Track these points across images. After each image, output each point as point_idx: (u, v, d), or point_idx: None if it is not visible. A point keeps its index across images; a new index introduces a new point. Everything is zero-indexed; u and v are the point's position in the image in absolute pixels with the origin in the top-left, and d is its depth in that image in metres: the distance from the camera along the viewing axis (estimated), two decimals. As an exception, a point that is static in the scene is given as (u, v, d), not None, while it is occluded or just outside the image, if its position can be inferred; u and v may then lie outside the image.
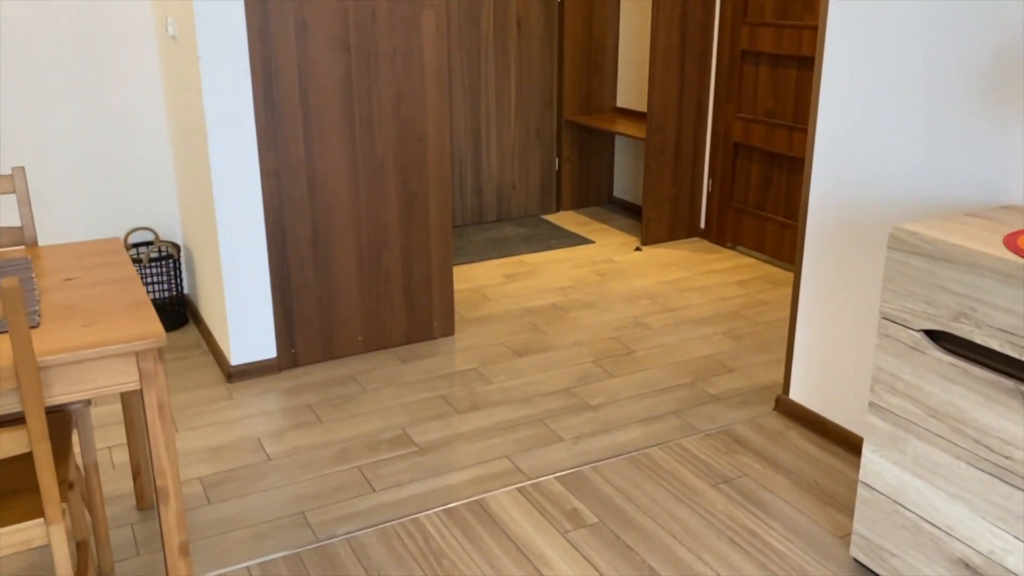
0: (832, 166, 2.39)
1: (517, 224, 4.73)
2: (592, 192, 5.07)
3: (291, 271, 2.84)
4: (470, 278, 3.86)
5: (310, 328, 2.93)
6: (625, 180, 5.01)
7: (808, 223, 2.47)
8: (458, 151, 4.57)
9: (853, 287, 2.37)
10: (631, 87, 4.81)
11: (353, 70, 2.76)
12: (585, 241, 4.41)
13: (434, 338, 3.17)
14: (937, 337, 1.67)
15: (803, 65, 3.68)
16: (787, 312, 3.42)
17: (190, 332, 3.24)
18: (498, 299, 3.59)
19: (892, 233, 1.70)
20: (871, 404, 1.82)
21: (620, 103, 4.92)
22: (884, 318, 1.76)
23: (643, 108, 4.73)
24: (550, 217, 4.87)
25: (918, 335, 1.69)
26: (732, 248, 4.26)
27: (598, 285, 3.75)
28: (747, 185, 4.11)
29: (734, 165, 4.16)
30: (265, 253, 2.77)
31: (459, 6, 4.35)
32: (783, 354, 3.04)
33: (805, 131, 3.72)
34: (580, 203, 5.04)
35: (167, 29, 2.89)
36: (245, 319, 2.80)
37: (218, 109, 2.58)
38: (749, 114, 4.01)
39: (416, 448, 2.43)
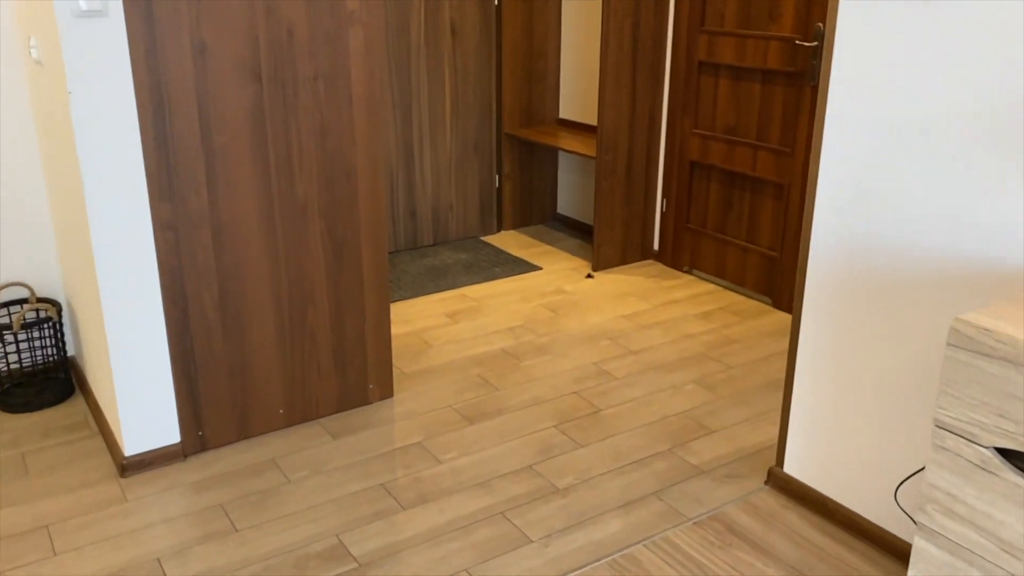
0: (838, 207, 2.06)
1: (456, 248, 4.31)
2: (535, 210, 4.69)
3: (195, 340, 2.36)
4: (407, 318, 3.42)
5: (221, 404, 2.46)
6: (570, 196, 4.64)
7: (809, 272, 2.14)
8: (389, 171, 4.12)
9: (863, 348, 2.04)
10: (575, 97, 4.43)
11: (266, 100, 2.29)
12: (532, 267, 4.02)
13: (370, 403, 2.74)
14: (1013, 456, 1.34)
15: (768, 79, 3.36)
16: (760, 352, 3.10)
17: (77, 405, 2.72)
18: (440, 346, 3.17)
19: (954, 327, 1.36)
20: (920, 525, 1.49)
21: (564, 114, 4.54)
22: (941, 428, 1.42)
23: (588, 120, 4.37)
24: (491, 239, 4.47)
25: (988, 452, 1.36)
26: (689, 272, 3.93)
27: (551, 323, 3.36)
28: (705, 206, 3.78)
29: (691, 185, 3.83)
30: (162, 322, 2.29)
31: (386, 10, 3.88)
32: (765, 408, 2.71)
33: (770, 150, 3.41)
34: (523, 222, 4.65)
35: (30, 52, 2.36)
36: (140, 401, 2.31)
37: (95, 153, 2.08)
38: (707, 130, 3.68)
39: (354, 564, 2.00)
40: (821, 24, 3.08)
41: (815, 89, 3.16)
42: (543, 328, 3.32)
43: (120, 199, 2.14)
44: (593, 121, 4.33)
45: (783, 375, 2.93)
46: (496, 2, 4.19)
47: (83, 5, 1.96)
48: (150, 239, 2.22)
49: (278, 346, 2.51)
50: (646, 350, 3.12)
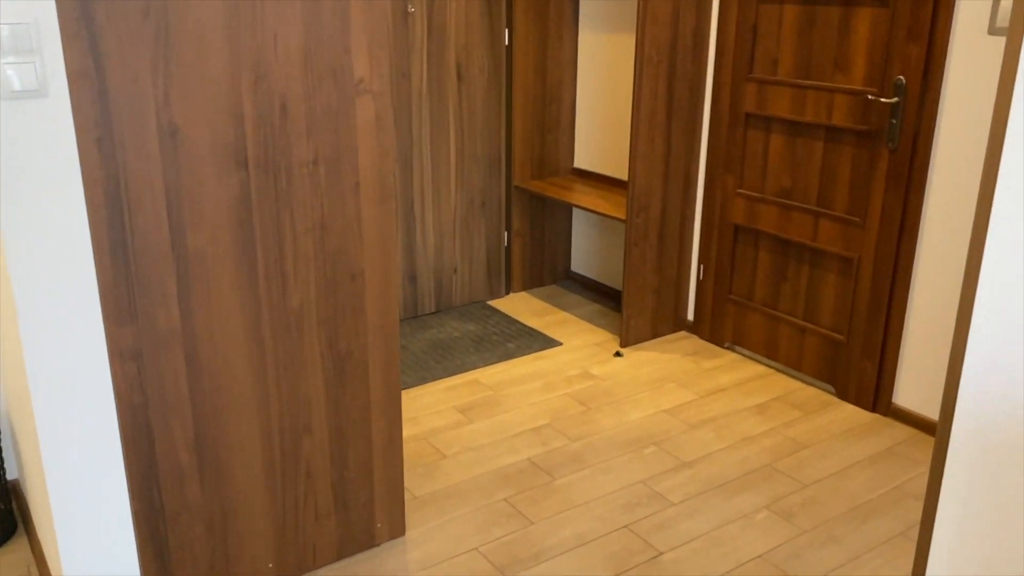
0: (1001, 335, 1.64)
1: (462, 317, 3.87)
2: (547, 269, 4.26)
3: (164, 491, 1.90)
4: (414, 415, 2.97)
5: (197, 564, 2.00)
6: (584, 252, 4.22)
7: (956, 423, 1.71)
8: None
9: (1027, 528, 1.61)
10: (592, 145, 4.02)
11: (253, 191, 1.84)
12: (551, 342, 3.59)
13: (377, 544, 2.28)
14: None
15: (833, 137, 2.96)
16: (836, 462, 2.68)
17: (19, 548, 2.24)
18: (456, 455, 2.72)
19: None
20: None
21: (579, 163, 4.13)
22: None
23: (606, 170, 3.95)
24: (500, 304, 4.03)
25: None
26: (731, 349, 3.52)
27: (583, 421, 2.93)
28: (751, 276, 3.37)
29: (733, 251, 3.42)
30: (121, 472, 1.83)
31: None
32: (859, 547, 2.29)
33: (834, 219, 3.00)
34: (534, 282, 4.23)
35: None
36: (93, 566, 1.84)
37: (31, 266, 1.63)
38: (754, 191, 3.27)
39: None
40: (902, 77, 2.69)
41: (896, 153, 2.77)
42: (575, 428, 2.88)
43: (64, 326, 1.68)
44: (612, 171, 3.92)
45: (870, 496, 2.51)
46: (507, 42, 3.77)
47: (15, 83, 1.51)
48: (105, 371, 1.76)
49: (266, 488, 2.05)
50: (701, 460, 2.69)
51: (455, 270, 3.94)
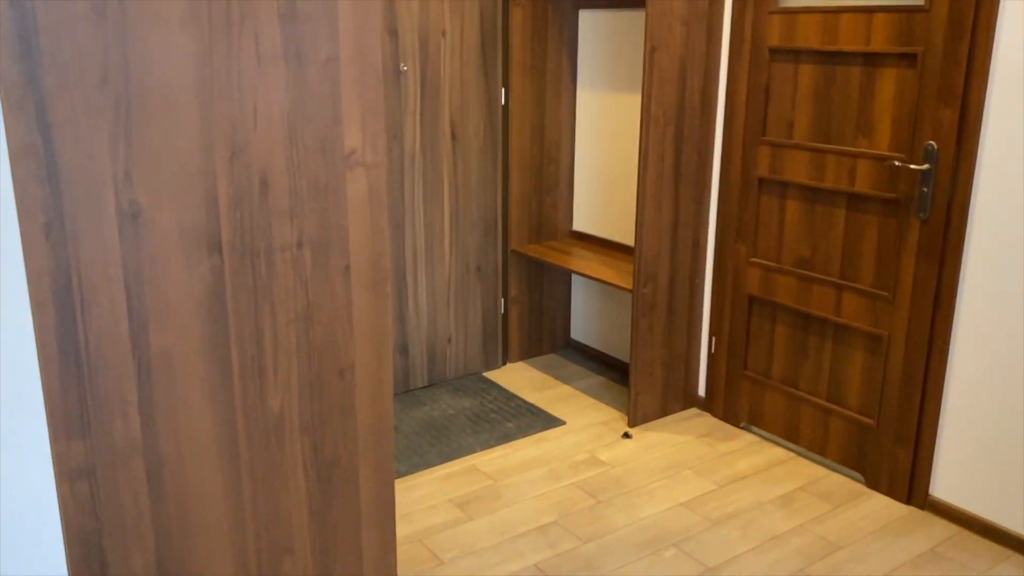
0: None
1: (456, 391, 3.62)
2: (546, 337, 4.04)
3: (118, 631, 1.63)
4: (406, 510, 2.71)
5: None
6: (585, 319, 4.00)
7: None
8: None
9: None
10: (591, 208, 3.83)
11: (228, 279, 1.62)
12: (553, 421, 3.34)
13: (369, 675, 2.00)
14: None
15: (857, 205, 2.78)
16: (877, 567, 2.44)
17: None
18: (454, 561, 2.45)
19: None
20: None
21: (578, 226, 3.94)
22: None
23: (606, 233, 3.76)
24: (497, 376, 3.79)
25: None
26: (747, 429, 3.28)
27: (593, 517, 2.67)
28: (768, 351, 3.16)
29: (749, 323, 3.21)
30: (66, 614, 1.56)
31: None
32: (911, 670, 2.03)
33: (860, 292, 2.81)
34: (532, 351, 4.00)
35: None
36: None
37: (-39, 380, 1.38)
38: (770, 260, 3.08)
39: None
40: (933, 142, 2.52)
41: (927, 223, 2.59)
42: (585, 526, 2.62)
43: (2, 444, 1.43)
44: (612, 235, 3.73)
45: (917, 607, 2.27)
46: (503, 101, 3.60)
47: (-57, 162, 1.29)
48: (51, 494, 1.50)
49: (240, 619, 1.78)
50: (727, 565, 2.44)
51: (449, 340, 3.71)
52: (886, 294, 2.74)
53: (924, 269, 2.62)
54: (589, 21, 3.68)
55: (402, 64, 3.29)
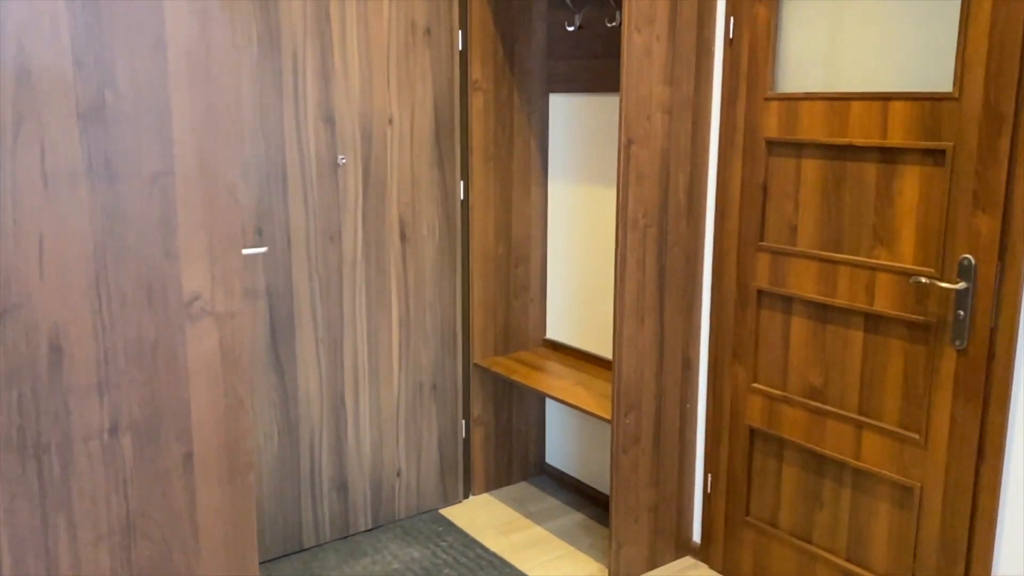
0: None
1: (406, 536, 3.10)
2: (516, 463, 3.54)
3: None
4: None
5: None
6: (561, 441, 3.52)
7: None
8: (309, 429, 2.96)
9: None
10: (567, 313, 3.39)
11: (2, 487, 1.14)
12: (518, 579, 2.82)
13: None
14: None
15: (877, 327, 2.34)
16: None
17: None
18: None
19: None
20: None
21: (552, 334, 3.49)
22: None
23: (585, 345, 3.31)
24: (457, 513, 3.28)
25: None
26: (751, 587, 2.77)
27: None
28: (776, 495, 2.67)
29: (750, 461, 2.73)
30: None
31: (306, 212, 2.84)
32: None
33: (884, 432, 2.33)
34: (499, 480, 3.49)
35: None
36: None
37: None
38: (774, 387, 2.62)
39: None
40: (970, 256, 2.09)
41: (966, 353, 2.13)
42: None
43: None
44: (592, 346, 3.28)
45: None
46: (462, 196, 3.20)
47: None
48: None
49: None
50: None
51: (398, 473, 3.21)
52: (916, 436, 2.27)
53: (964, 409, 2.16)
54: (561, 106, 3.31)
55: (340, 156, 2.88)
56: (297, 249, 2.82)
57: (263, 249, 2.48)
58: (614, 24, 2.97)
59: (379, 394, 3.12)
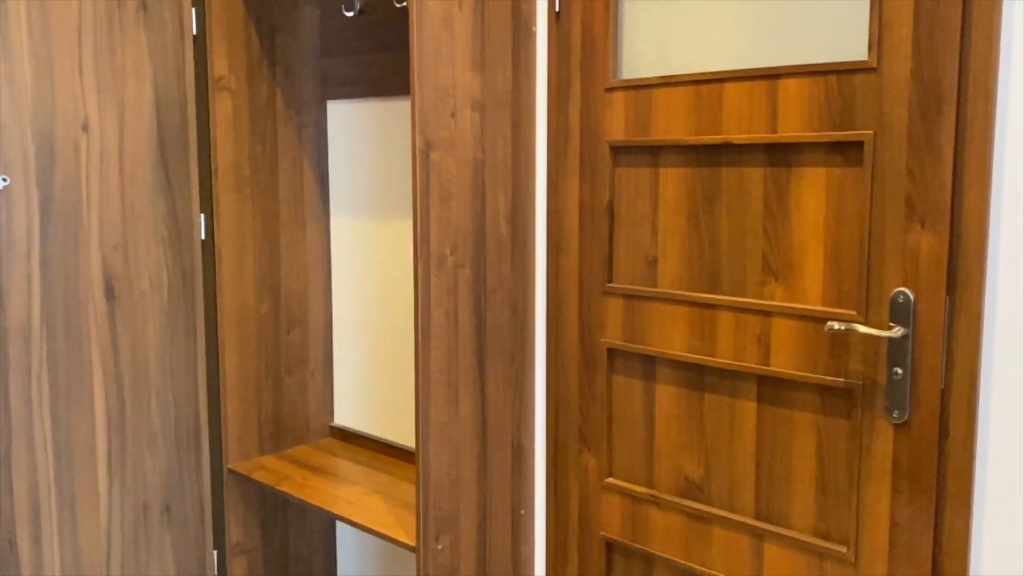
0: None
1: None
2: (295, 600, 2.66)
3: None
4: None
5: None
6: (360, 564, 2.68)
7: None
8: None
9: None
10: (360, 391, 2.60)
11: None
12: None
13: None
14: None
15: (776, 395, 1.71)
16: None
17: None
18: None
19: None
20: None
21: (341, 420, 2.68)
22: None
23: (387, 433, 2.52)
24: None
25: None
26: None
27: None
28: (645, 634, 1.97)
29: (610, 587, 2.02)
30: None
31: (-58, 259, 1.91)
32: None
33: (793, 544, 1.70)
34: (271, 628, 2.60)
35: None
36: None
37: None
38: (637, 483, 1.94)
39: None
40: (906, 290, 1.51)
41: (907, 427, 1.54)
42: None
43: None
44: (393, 435, 2.50)
45: None
46: (203, 234, 2.36)
47: None
48: None
49: None
50: None
51: (113, 639, 2.25)
52: (842, 550, 1.64)
53: (908, 509, 1.55)
54: (343, 117, 2.56)
55: (1, 177, 1.98)
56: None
57: None
58: (404, 4, 2.29)
59: (76, 528, 2.17)
